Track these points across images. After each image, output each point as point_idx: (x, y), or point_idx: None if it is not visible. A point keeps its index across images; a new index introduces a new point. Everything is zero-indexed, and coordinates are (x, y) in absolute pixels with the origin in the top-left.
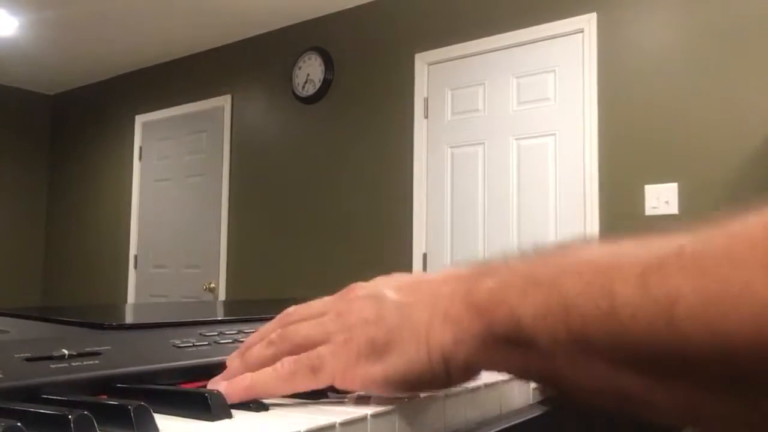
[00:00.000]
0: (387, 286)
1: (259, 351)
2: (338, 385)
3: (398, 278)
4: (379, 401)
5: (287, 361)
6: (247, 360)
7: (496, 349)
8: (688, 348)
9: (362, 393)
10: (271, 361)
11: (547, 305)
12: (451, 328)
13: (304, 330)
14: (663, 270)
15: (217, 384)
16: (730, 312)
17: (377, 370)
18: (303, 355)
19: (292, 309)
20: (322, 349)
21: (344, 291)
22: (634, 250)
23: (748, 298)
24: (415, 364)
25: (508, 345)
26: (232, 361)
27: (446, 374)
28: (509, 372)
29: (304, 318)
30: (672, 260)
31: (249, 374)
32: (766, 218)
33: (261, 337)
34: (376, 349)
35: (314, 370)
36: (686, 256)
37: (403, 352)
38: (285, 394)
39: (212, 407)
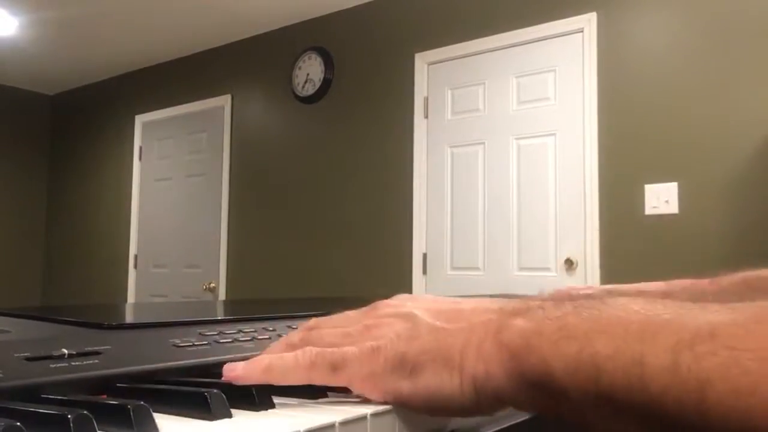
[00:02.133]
0: (418, 308)
1: (278, 349)
2: (356, 389)
3: (428, 301)
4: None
5: (309, 350)
6: (267, 353)
7: (526, 391)
8: (716, 431)
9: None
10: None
11: (578, 361)
12: (483, 361)
13: (329, 337)
14: (694, 350)
15: (236, 366)
16: (761, 409)
17: (405, 385)
18: (327, 350)
19: (314, 321)
20: (347, 350)
21: (369, 308)
22: (666, 317)
23: None
24: (446, 388)
25: (538, 389)
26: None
27: (476, 403)
28: (539, 412)
29: (328, 328)
30: (704, 341)
31: (268, 356)
32: None
33: (284, 341)
34: (406, 366)
35: (335, 366)
36: (718, 339)
37: (436, 373)
38: (300, 382)
39: (212, 406)
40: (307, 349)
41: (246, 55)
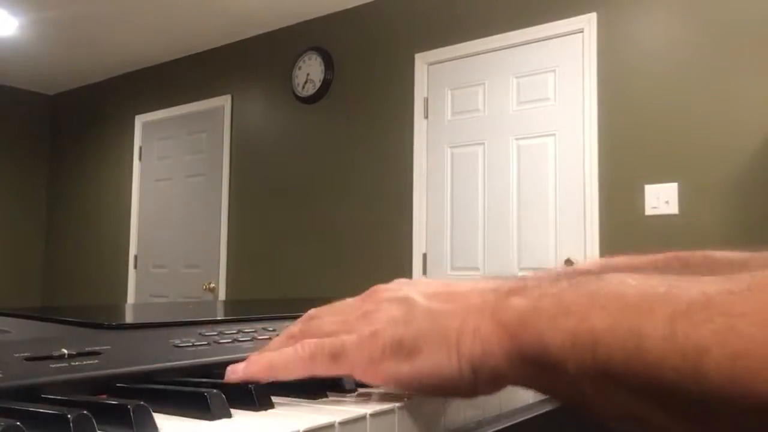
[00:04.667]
0: (415, 291)
1: (279, 343)
2: (358, 377)
3: (424, 284)
4: (384, 398)
5: (308, 343)
6: (267, 350)
7: (524, 368)
8: (714, 398)
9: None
10: None
11: (575, 335)
12: (480, 341)
13: (328, 326)
14: (691, 319)
15: (237, 367)
16: (758, 371)
17: (404, 368)
18: (326, 340)
19: (314, 310)
20: (346, 338)
21: (368, 293)
22: (662, 290)
23: None
24: (444, 369)
25: (535, 366)
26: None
27: (474, 383)
28: (536, 390)
29: (328, 316)
30: (699, 310)
31: (269, 353)
32: None
33: (285, 334)
34: (404, 349)
35: (335, 356)
36: (714, 308)
37: (433, 355)
38: (303, 375)
39: (211, 406)
40: (306, 341)
41: (246, 55)
